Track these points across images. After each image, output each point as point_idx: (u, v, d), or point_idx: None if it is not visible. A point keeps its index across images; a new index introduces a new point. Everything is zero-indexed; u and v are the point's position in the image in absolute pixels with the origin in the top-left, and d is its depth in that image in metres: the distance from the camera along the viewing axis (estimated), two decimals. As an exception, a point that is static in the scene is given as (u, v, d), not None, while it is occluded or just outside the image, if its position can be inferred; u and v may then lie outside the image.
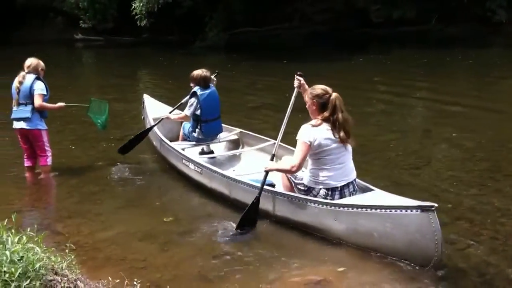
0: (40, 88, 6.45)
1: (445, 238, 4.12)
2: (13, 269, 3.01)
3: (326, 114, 4.67)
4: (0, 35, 27.02)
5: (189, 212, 5.65)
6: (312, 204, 4.64)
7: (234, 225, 4.99)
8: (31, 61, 6.57)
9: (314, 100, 4.75)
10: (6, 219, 3.59)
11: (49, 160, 6.71)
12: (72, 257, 3.66)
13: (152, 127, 7.23)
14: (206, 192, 5.88)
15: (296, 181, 4.95)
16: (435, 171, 6.60)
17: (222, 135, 6.95)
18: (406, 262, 4.10)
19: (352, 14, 24.49)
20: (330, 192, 4.69)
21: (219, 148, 7.14)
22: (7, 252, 3.11)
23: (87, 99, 7.60)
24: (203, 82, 6.55)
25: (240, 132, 7.07)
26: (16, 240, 3.30)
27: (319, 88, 4.78)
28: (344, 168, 4.73)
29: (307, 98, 4.86)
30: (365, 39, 23.15)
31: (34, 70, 6.54)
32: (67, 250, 3.75)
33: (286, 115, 5.31)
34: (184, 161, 6.21)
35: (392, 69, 15.67)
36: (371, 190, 4.79)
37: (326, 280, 4.02)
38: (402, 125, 8.98)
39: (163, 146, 6.80)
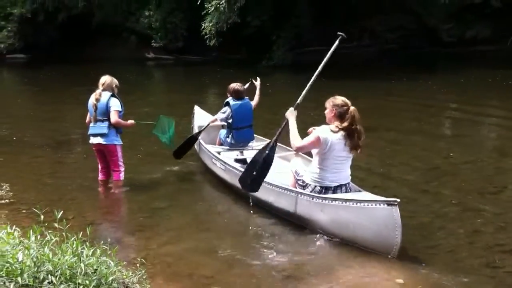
0: (116, 105, 6.67)
1: None
2: (87, 282, 3.08)
3: (345, 124, 5.18)
4: (76, 53, 28.33)
5: (254, 230, 5.63)
6: (304, 197, 5.29)
7: (298, 245, 5.08)
8: (105, 79, 6.81)
9: (334, 109, 5.26)
10: (81, 232, 3.70)
11: (122, 175, 6.91)
12: (143, 271, 3.72)
13: (198, 133, 7.74)
14: (271, 213, 5.86)
15: (297, 177, 5.55)
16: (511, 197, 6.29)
17: (254, 144, 7.46)
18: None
19: (422, 33, 24.01)
20: (324, 190, 5.28)
21: (252, 155, 7.43)
22: (82, 265, 3.19)
23: (156, 115, 7.84)
24: (235, 94, 7.24)
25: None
26: (90, 253, 3.39)
27: (340, 99, 5.30)
28: (341, 173, 5.33)
29: (327, 105, 5.36)
30: (436, 58, 22.61)
31: (109, 87, 6.77)
32: (138, 264, 3.83)
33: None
34: (213, 160, 7.02)
35: (464, 89, 15.16)
36: (360, 191, 5.37)
37: None
38: (476, 148, 8.65)
39: (201, 148, 7.60)
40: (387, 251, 4.64)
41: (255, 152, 7.30)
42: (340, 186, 5.31)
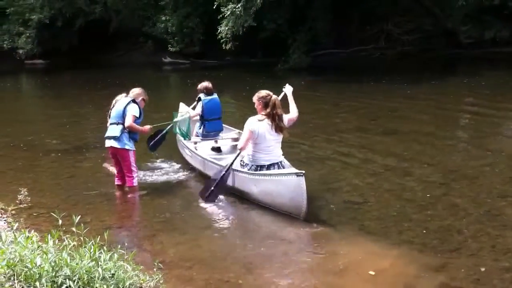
0: (133, 109, 6.72)
1: None
2: (105, 286, 3.09)
3: (268, 110, 6.19)
4: (95, 58, 28.58)
5: (272, 234, 5.59)
6: (242, 174, 6.41)
7: (314, 246, 5.10)
8: (134, 89, 6.99)
9: (260, 101, 6.27)
10: (99, 236, 3.70)
11: (135, 181, 6.94)
12: (160, 276, 3.72)
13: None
14: (286, 217, 5.86)
15: (241, 158, 6.51)
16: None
17: (225, 135, 8.42)
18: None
19: (440, 35, 23.81)
20: (259, 168, 6.27)
21: (225, 143, 8.40)
22: (100, 269, 3.20)
23: (171, 118, 8.12)
24: (206, 90, 8.15)
25: (239, 132, 8.25)
26: (108, 257, 3.39)
27: (263, 92, 6.33)
28: (272, 153, 6.30)
29: (254, 99, 6.35)
30: (454, 60, 22.40)
31: (133, 95, 6.87)
32: (154, 269, 3.82)
33: None
34: (185, 149, 8.04)
35: (483, 92, 14.93)
36: (290, 167, 6.34)
37: None
38: (496, 151, 8.49)
39: (178, 139, 8.55)
40: (298, 213, 5.70)
41: (226, 141, 8.43)
42: (273, 164, 6.30)
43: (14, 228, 4.08)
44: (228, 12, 19.94)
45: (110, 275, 3.25)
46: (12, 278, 3.07)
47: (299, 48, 23.03)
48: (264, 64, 23.96)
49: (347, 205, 6.24)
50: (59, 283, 3.05)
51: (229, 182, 6.57)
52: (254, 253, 5.05)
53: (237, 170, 6.49)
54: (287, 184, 5.76)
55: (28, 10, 28.88)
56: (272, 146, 6.28)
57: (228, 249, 5.17)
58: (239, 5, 19.53)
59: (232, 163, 6.50)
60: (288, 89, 6.71)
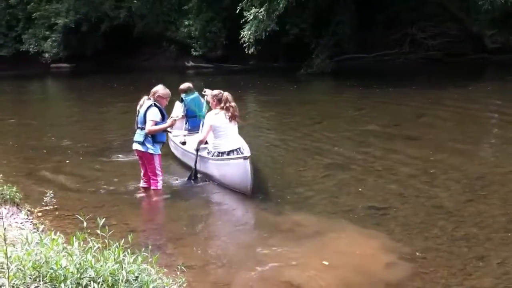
0: (152, 114, 6.74)
1: None
2: (129, 289, 3.08)
3: (222, 104, 7.20)
4: (119, 63, 28.89)
5: (297, 237, 5.57)
6: (207, 160, 7.39)
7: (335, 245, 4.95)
8: (154, 89, 6.95)
9: (214, 98, 7.31)
10: (123, 239, 3.71)
11: (159, 185, 6.97)
12: (183, 279, 3.71)
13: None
14: (312, 219, 5.83)
15: (207, 147, 7.50)
16: None
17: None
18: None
19: (466, 40, 23.51)
20: (221, 155, 7.20)
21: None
22: (124, 272, 3.20)
23: None
24: (189, 90, 8.93)
25: None
26: (132, 260, 3.39)
27: (216, 91, 7.42)
28: (231, 140, 7.26)
29: (209, 98, 7.45)
30: (480, 66, 22.09)
31: (153, 97, 6.88)
32: (178, 272, 3.81)
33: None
34: (172, 142, 8.90)
35: (510, 97, 14.69)
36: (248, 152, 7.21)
37: None
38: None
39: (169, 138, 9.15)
40: (245, 191, 6.68)
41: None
42: (232, 150, 7.21)
43: (40, 229, 4.13)
44: (251, 17, 19.96)
45: (134, 278, 3.25)
46: (37, 280, 3.08)
47: (322, 52, 22.94)
48: (287, 68, 23.94)
49: (371, 211, 6.18)
50: (83, 285, 3.06)
51: (199, 168, 7.57)
52: (278, 256, 5.01)
53: (203, 157, 7.46)
54: (237, 166, 6.73)
55: (54, 14, 29.34)
56: (230, 134, 7.23)
57: (252, 252, 5.15)
58: (262, 10, 19.54)
59: (196, 155, 7.50)
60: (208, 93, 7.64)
